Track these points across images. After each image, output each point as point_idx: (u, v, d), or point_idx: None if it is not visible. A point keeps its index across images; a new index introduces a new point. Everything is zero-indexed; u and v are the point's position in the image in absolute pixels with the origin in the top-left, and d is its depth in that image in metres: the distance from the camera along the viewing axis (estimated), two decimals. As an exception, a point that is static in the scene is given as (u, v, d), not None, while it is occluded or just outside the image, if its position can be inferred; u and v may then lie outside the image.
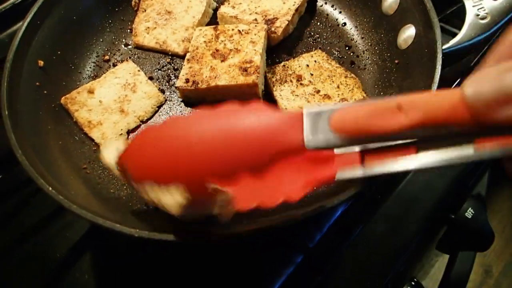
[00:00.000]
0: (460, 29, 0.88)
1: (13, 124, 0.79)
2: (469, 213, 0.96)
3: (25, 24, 0.92)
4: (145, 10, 1.09)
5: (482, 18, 0.84)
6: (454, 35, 1.03)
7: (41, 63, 0.94)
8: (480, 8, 0.85)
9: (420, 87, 0.80)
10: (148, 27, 1.06)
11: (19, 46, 0.90)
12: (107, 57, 1.04)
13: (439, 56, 0.77)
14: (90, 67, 1.03)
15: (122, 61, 1.03)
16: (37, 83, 0.92)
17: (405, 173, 0.92)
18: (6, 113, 0.79)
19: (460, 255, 1.00)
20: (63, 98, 0.93)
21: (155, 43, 1.04)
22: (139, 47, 1.06)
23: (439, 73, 0.76)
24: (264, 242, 0.81)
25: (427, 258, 1.19)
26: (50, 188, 0.69)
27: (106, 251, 0.87)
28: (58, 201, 0.68)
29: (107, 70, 1.00)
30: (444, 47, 0.81)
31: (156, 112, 0.97)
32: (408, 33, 0.89)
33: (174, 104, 0.98)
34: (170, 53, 1.05)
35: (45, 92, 0.93)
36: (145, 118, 0.95)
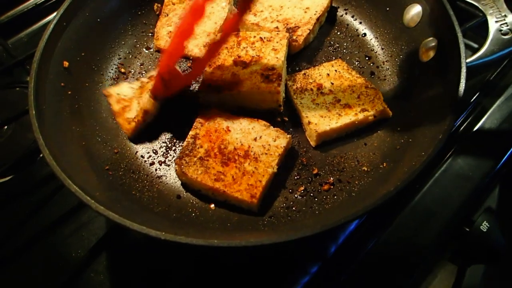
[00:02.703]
0: (478, 43, 0.89)
1: (40, 124, 0.80)
2: (484, 226, 0.96)
3: (52, 25, 0.93)
4: (167, 15, 1.10)
5: (505, 34, 0.85)
6: (472, 48, 1.04)
7: (66, 64, 0.95)
8: (503, 23, 0.86)
9: (442, 101, 0.81)
10: (170, 31, 1.07)
11: (46, 47, 0.91)
12: (123, 70, 1.06)
13: (464, 71, 0.77)
14: (112, 69, 1.04)
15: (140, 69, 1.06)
16: (62, 84, 0.93)
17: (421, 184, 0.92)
18: (34, 112, 0.80)
19: (470, 268, 1.01)
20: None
21: (176, 47, 1.06)
22: (160, 50, 1.07)
23: (463, 88, 0.77)
24: (281, 252, 0.81)
25: (438, 268, 1.19)
26: (77, 189, 0.70)
27: (121, 252, 0.88)
28: (86, 202, 0.69)
29: (128, 74, 1.03)
30: (467, 61, 0.82)
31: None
32: (430, 46, 0.90)
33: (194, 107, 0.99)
34: (191, 58, 1.06)
35: (69, 92, 0.94)
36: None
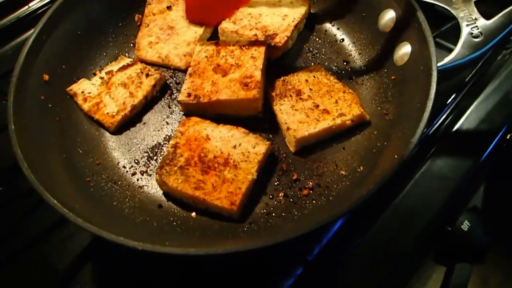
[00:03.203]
0: (454, 43, 0.90)
1: (19, 137, 0.81)
2: (465, 225, 0.97)
3: (31, 39, 0.95)
4: (148, 25, 1.11)
5: (476, 37, 0.87)
6: (449, 50, 1.06)
7: (46, 77, 0.96)
8: (474, 27, 0.88)
9: (416, 102, 0.82)
10: (151, 42, 1.09)
11: (25, 61, 0.92)
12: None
13: (434, 74, 0.79)
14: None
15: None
16: (42, 97, 0.94)
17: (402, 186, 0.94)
18: (13, 127, 0.81)
19: (457, 267, 1.02)
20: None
21: (157, 57, 1.07)
22: (142, 61, 1.08)
23: (434, 90, 0.79)
24: (265, 255, 0.82)
25: (424, 269, 1.20)
26: (56, 202, 0.70)
27: (107, 263, 0.88)
28: (64, 215, 0.69)
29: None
30: (438, 64, 0.84)
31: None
32: (404, 50, 0.92)
33: (176, 117, 1.00)
34: (172, 67, 1.07)
35: (49, 105, 0.95)
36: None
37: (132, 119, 0.99)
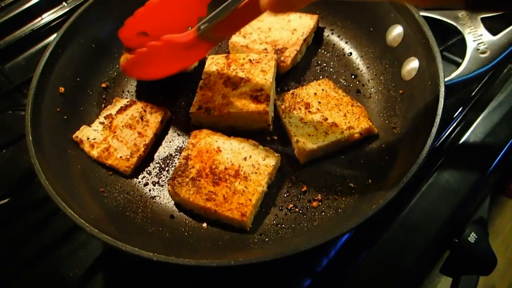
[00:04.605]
0: (461, 57, 0.92)
1: (36, 149, 0.83)
2: (472, 237, 0.98)
3: (48, 53, 0.97)
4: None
5: (482, 53, 0.89)
6: (456, 63, 1.08)
7: (61, 89, 0.99)
8: (480, 42, 0.90)
9: (424, 117, 0.84)
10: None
11: (42, 74, 0.95)
12: (104, 85, 1.09)
13: (442, 90, 0.81)
14: (107, 93, 1.08)
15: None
16: (58, 109, 0.97)
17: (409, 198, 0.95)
18: (30, 138, 0.83)
19: (463, 278, 1.02)
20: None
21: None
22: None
23: (442, 105, 0.80)
24: (274, 265, 0.83)
25: (430, 280, 1.21)
26: (73, 212, 0.72)
27: (118, 272, 0.89)
28: (81, 226, 0.71)
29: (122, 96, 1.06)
30: (446, 79, 0.85)
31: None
32: (412, 65, 0.94)
33: (187, 128, 1.02)
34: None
35: (65, 117, 0.97)
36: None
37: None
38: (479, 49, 0.89)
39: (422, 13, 0.94)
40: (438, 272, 1.09)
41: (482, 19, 0.93)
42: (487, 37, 0.90)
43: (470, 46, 0.90)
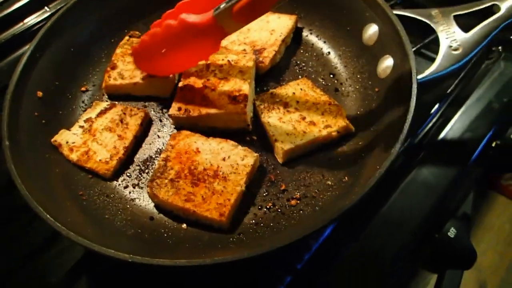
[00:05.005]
0: (437, 54, 0.93)
1: (13, 154, 0.83)
2: (452, 232, 0.99)
3: (26, 56, 0.97)
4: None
5: (455, 50, 0.90)
6: (433, 60, 1.10)
7: (40, 94, 0.99)
8: (453, 40, 0.91)
9: (398, 114, 0.85)
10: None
11: (20, 78, 0.95)
12: (83, 88, 1.08)
13: (414, 87, 0.82)
14: (86, 97, 1.08)
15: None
16: (36, 113, 0.97)
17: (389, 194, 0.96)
18: (7, 143, 0.83)
19: (447, 273, 1.04)
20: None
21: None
22: (109, 92, 1.08)
23: (414, 102, 0.81)
24: (253, 264, 0.84)
25: (416, 277, 1.22)
26: (49, 216, 0.73)
27: (101, 275, 0.89)
28: (56, 229, 0.72)
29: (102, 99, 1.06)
30: (419, 77, 0.87)
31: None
32: (387, 63, 0.95)
33: (167, 130, 1.03)
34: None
35: (43, 121, 0.97)
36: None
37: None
38: (451, 46, 0.90)
39: (396, 12, 0.96)
40: (423, 270, 1.10)
41: (454, 16, 0.94)
42: (459, 35, 0.92)
43: (443, 43, 0.91)
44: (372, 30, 1.00)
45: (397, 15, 0.95)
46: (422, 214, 0.96)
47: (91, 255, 0.88)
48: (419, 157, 1.01)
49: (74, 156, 0.94)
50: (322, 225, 0.69)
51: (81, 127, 0.99)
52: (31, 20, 1.33)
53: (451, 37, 0.92)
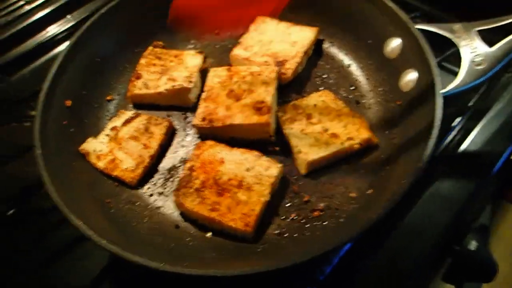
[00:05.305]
0: (459, 67, 0.94)
1: (44, 161, 0.85)
2: (473, 245, 0.99)
3: (54, 68, 1.00)
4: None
5: (478, 65, 0.91)
6: (454, 73, 1.10)
7: (68, 103, 1.01)
8: (476, 55, 0.92)
9: (422, 128, 0.86)
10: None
11: (50, 87, 0.98)
12: (109, 97, 1.11)
13: (439, 101, 0.83)
14: (112, 106, 1.10)
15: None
16: (65, 122, 0.99)
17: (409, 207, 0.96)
18: (40, 152, 0.85)
19: (465, 286, 1.03)
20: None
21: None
22: (134, 101, 1.11)
23: (440, 116, 0.82)
24: (277, 275, 0.85)
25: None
26: (82, 223, 0.74)
27: (124, 283, 0.91)
28: (89, 236, 0.73)
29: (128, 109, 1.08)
30: (442, 91, 0.87)
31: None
32: (410, 77, 0.96)
33: (190, 139, 1.04)
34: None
35: (71, 130, 1.00)
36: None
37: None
38: (474, 61, 0.91)
39: (418, 26, 0.97)
40: (440, 280, 1.10)
41: (477, 31, 0.95)
42: (482, 49, 0.93)
43: (466, 58, 0.92)
44: (394, 44, 1.01)
45: (418, 29, 0.96)
46: (442, 226, 0.96)
47: (116, 261, 0.90)
48: (439, 170, 1.02)
49: (101, 164, 0.96)
50: (350, 237, 0.70)
51: (107, 135, 1.01)
52: (53, 29, 1.36)
53: (474, 52, 0.93)
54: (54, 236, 0.96)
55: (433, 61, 0.88)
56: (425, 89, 0.90)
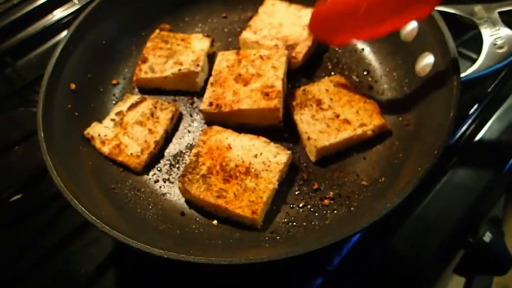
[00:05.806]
0: (476, 53, 0.90)
1: (48, 146, 0.83)
2: (487, 237, 0.96)
3: (59, 50, 0.98)
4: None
5: (499, 48, 0.86)
6: (471, 59, 1.05)
7: (72, 86, 0.99)
8: (498, 37, 0.87)
9: (438, 115, 0.82)
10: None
11: (53, 71, 0.95)
12: (115, 81, 1.09)
13: (458, 87, 0.79)
14: (117, 90, 1.08)
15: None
16: (69, 106, 0.97)
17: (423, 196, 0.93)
18: (42, 135, 0.83)
19: (476, 279, 1.01)
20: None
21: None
22: (140, 86, 1.08)
23: (458, 102, 0.78)
24: (284, 264, 0.83)
25: (444, 279, 1.19)
26: (84, 209, 0.73)
27: (128, 269, 0.90)
28: (92, 222, 0.72)
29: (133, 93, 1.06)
30: (461, 75, 0.83)
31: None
32: (427, 61, 0.92)
33: (197, 125, 1.02)
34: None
35: (76, 114, 0.98)
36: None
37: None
38: (496, 44, 0.87)
39: (437, 8, 0.92)
40: (451, 272, 1.07)
41: (499, 13, 0.90)
42: (504, 32, 0.88)
43: (487, 41, 0.87)
44: (411, 26, 0.97)
45: (437, 11, 0.92)
46: (456, 217, 0.93)
47: (120, 248, 0.89)
48: (454, 159, 0.98)
49: (106, 149, 0.94)
50: (362, 227, 0.67)
51: (113, 120, 0.99)
52: (60, 12, 1.34)
53: (495, 34, 0.88)
54: (60, 223, 0.95)
55: (452, 44, 0.84)
56: (443, 74, 0.86)
